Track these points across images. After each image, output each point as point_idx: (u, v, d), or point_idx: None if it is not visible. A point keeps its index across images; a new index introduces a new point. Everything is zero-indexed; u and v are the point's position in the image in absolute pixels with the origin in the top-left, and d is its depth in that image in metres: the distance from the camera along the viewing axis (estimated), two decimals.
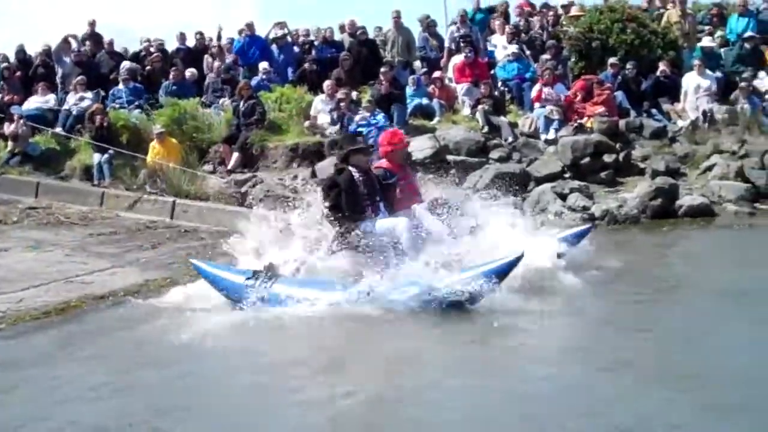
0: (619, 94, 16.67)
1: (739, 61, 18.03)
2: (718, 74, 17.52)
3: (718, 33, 19.13)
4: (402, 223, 8.68)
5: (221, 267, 9.02)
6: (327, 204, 8.76)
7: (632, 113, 16.51)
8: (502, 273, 7.83)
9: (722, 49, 18.52)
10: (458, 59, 17.79)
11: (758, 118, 16.27)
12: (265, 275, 8.45)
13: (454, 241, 8.83)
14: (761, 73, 17.78)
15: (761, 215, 13.50)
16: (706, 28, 19.90)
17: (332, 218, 8.74)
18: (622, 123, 16.04)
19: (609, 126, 15.71)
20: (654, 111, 16.72)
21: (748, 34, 18.54)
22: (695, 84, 16.93)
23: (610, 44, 17.73)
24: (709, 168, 14.98)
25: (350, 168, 8.87)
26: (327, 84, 16.52)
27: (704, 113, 16.32)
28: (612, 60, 17.15)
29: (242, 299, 8.28)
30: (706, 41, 18.62)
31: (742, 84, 16.89)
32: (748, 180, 14.50)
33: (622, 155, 15.31)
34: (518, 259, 7.85)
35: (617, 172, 15.15)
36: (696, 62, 17.24)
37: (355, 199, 8.74)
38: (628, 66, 17.00)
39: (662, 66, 17.22)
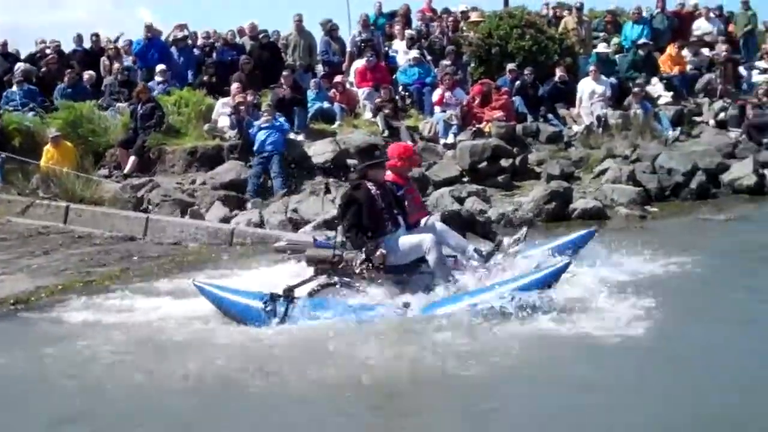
0: (517, 99, 16.99)
1: (633, 68, 18.56)
2: (613, 80, 17.99)
3: (614, 40, 19.63)
4: (428, 239, 8.39)
5: (229, 290, 8.60)
6: (347, 223, 8.44)
7: (529, 118, 16.85)
8: (552, 280, 7.87)
9: (617, 56, 19.04)
10: (360, 63, 17.86)
11: (650, 124, 16.75)
12: (284, 298, 8.13)
13: (480, 256, 8.75)
14: (654, 80, 18.34)
15: (651, 218, 13.85)
16: (601, 34, 20.41)
17: (354, 237, 8.42)
18: (519, 128, 16.33)
19: (506, 130, 15.97)
20: (550, 116, 17.11)
21: (642, 41, 19.10)
22: (590, 89, 17.34)
23: (508, 50, 18.03)
24: (603, 172, 15.34)
25: (367, 182, 8.60)
26: (232, 87, 16.37)
27: (598, 118, 16.73)
28: (510, 66, 17.45)
29: (260, 323, 7.98)
30: (601, 48, 19.10)
31: (636, 90, 17.36)
32: (640, 184, 14.89)
33: (518, 159, 15.57)
34: (566, 266, 7.92)
35: (514, 176, 15.40)
36: (591, 68, 17.67)
37: (376, 214, 8.44)
38: (525, 71, 17.32)
39: (559, 72, 17.61)
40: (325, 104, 16.81)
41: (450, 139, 16.00)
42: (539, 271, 8.01)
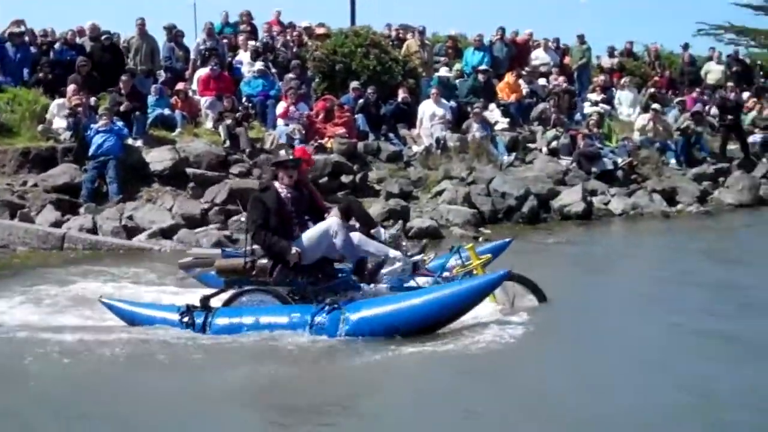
0: (360, 117, 17.17)
1: (473, 93, 19.06)
2: (453, 104, 18.44)
3: (455, 65, 20.12)
4: (334, 223, 8.05)
5: (139, 304, 8.44)
6: (253, 225, 8.02)
7: (371, 136, 17.06)
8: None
9: (457, 80, 19.51)
10: (203, 72, 17.66)
11: (487, 148, 17.26)
12: (201, 308, 7.93)
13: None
14: (491, 105, 18.88)
15: (484, 239, 14.19)
16: (443, 59, 20.87)
17: (261, 238, 7.99)
18: (360, 145, 16.53)
19: (348, 147, 16.13)
20: (391, 135, 17.37)
21: (482, 67, 19.66)
22: (431, 112, 17.72)
23: (353, 68, 18.21)
24: (440, 192, 15.74)
25: (276, 184, 8.23)
26: (68, 89, 15.84)
27: (438, 140, 17.11)
28: (354, 84, 17.63)
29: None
30: (443, 72, 19.57)
31: (474, 114, 17.86)
32: (475, 205, 15.36)
33: (359, 176, 15.77)
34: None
35: (354, 193, 15.53)
36: (433, 91, 18.08)
37: (284, 218, 8.06)
38: (369, 90, 17.52)
39: (401, 92, 17.92)
40: (166, 111, 16.51)
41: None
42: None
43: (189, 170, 14.95)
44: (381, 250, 8.24)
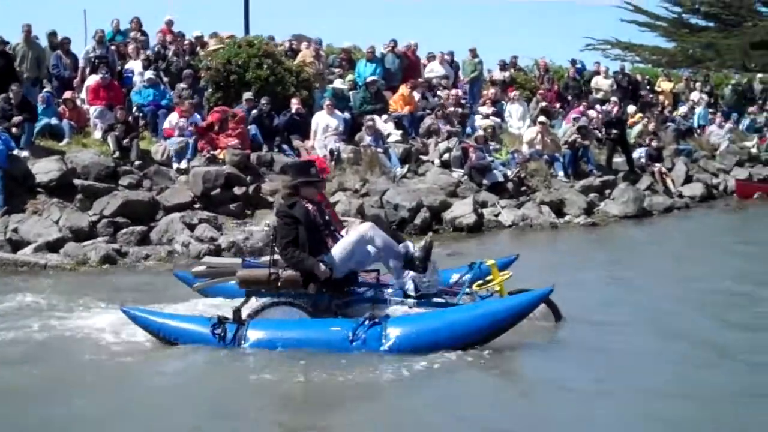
0: (253, 128, 17.08)
1: (366, 104, 19.17)
2: (347, 115, 18.51)
3: (348, 76, 20.21)
4: (367, 229, 8.09)
5: (168, 315, 8.20)
6: (284, 241, 7.96)
7: (264, 148, 16.99)
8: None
9: (351, 92, 19.59)
10: (93, 80, 17.31)
11: (380, 160, 17.38)
12: (233, 321, 7.80)
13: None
14: (384, 117, 19.01)
15: None
16: (337, 70, 20.94)
17: (291, 255, 7.93)
18: (254, 156, 16.44)
19: (241, 159, 16.02)
20: (285, 147, 17.32)
21: (372, 78, 19.80)
22: (325, 123, 17.77)
23: (246, 78, 18.12)
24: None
25: (301, 200, 8.13)
26: None
27: (331, 152, 17.14)
28: (247, 95, 17.52)
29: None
30: (336, 83, 19.62)
31: (367, 126, 17.96)
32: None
33: (252, 188, 15.67)
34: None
35: (247, 205, 15.48)
36: (327, 102, 18.12)
37: (314, 233, 7.99)
38: (262, 101, 17.44)
39: (295, 103, 17.90)
40: (53, 120, 16.12)
41: (183, 165, 15.82)
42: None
43: (77, 181, 14.61)
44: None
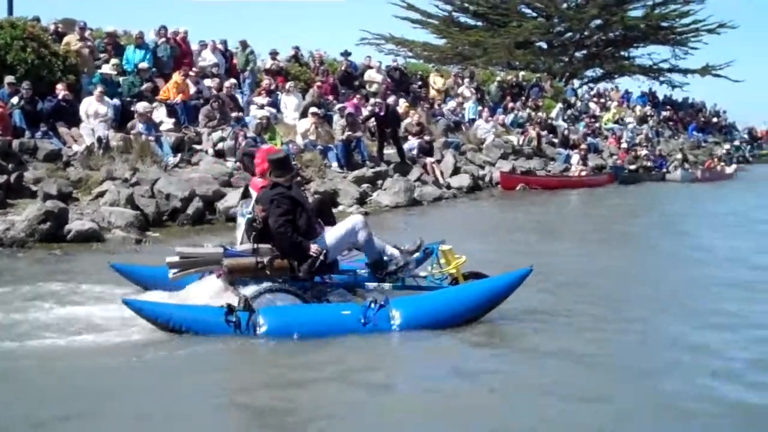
0: (16, 113, 16.30)
1: (135, 91, 18.72)
2: (116, 102, 18.00)
3: (114, 61, 19.63)
4: (359, 220, 8.48)
5: (175, 306, 8.05)
6: (282, 219, 8.05)
7: (27, 134, 16.25)
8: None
9: (120, 78, 19.06)
10: None
11: (151, 148, 17.00)
12: (244, 309, 7.74)
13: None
14: (156, 104, 18.62)
15: (148, 242, 14.01)
16: (103, 55, 20.28)
17: (288, 234, 8.06)
18: (16, 143, 15.69)
19: (2, 146, 15.26)
20: (50, 133, 16.64)
21: (143, 65, 19.36)
22: (94, 110, 17.25)
23: (8, 61, 17.25)
24: (101, 194, 15.24)
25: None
26: None
27: (100, 139, 16.61)
28: (9, 79, 16.71)
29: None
30: (105, 69, 19.02)
31: (139, 114, 17.54)
32: (138, 207, 15.03)
33: (13, 176, 14.91)
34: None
35: (8, 194, 14.73)
36: (98, 89, 17.54)
37: (310, 220, 8.26)
38: (24, 86, 16.67)
39: (61, 89, 17.20)
40: None
41: None
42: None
43: None
44: (390, 250, 8.74)
